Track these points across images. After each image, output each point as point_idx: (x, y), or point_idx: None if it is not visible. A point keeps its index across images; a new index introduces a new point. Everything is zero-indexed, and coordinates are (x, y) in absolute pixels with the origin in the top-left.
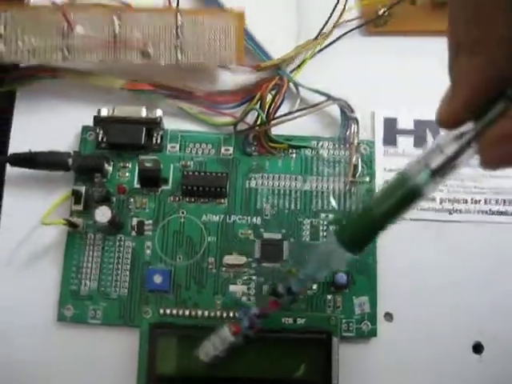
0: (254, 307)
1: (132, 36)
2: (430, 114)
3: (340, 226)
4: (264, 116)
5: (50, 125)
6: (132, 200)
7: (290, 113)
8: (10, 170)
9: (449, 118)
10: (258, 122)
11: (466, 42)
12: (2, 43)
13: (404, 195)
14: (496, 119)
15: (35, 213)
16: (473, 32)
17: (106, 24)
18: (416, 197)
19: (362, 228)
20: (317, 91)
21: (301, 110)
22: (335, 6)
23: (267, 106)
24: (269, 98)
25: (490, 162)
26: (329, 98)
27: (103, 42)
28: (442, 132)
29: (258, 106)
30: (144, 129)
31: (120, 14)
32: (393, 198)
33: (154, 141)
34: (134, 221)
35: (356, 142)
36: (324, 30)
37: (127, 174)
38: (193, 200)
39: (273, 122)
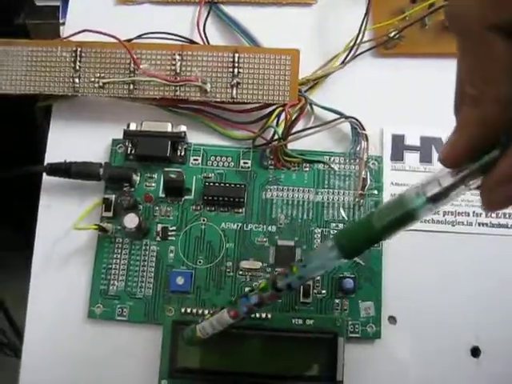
0: (254, 297)
1: (191, 73)
2: (436, 132)
3: (340, 231)
4: (280, 133)
5: (82, 137)
6: (157, 208)
7: (304, 129)
8: (46, 178)
9: (449, 158)
10: (275, 138)
11: (470, 93)
12: (77, 78)
13: (401, 216)
14: (491, 163)
15: (69, 218)
16: (477, 86)
17: (167, 61)
18: (411, 219)
19: (361, 237)
20: (330, 109)
21: (315, 127)
22: (358, 33)
23: (284, 124)
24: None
25: (492, 204)
26: (341, 116)
27: (165, 79)
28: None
29: (274, 123)
30: (169, 142)
31: (181, 52)
32: (392, 216)
33: (179, 153)
34: (159, 227)
35: (365, 157)
36: (337, 53)
37: (153, 184)
38: (213, 209)
39: (288, 139)
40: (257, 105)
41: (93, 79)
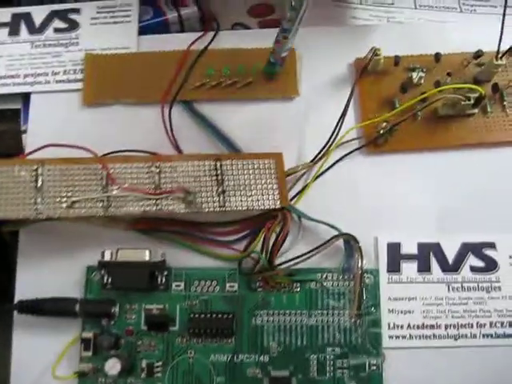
0: None
1: (173, 185)
2: (433, 237)
3: None
4: (266, 261)
5: (54, 265)
6: (140, 342)
7: (294, 258)
8: (17, 316)
9: None
10: (261, 264)
11: None
12: (40, 198)
13: None
14: None
15: (45, 358)
16: None
17: (146, 174)
18: None
19: None
20: (320, 222)
21: (307, 253)
22: (335, 129)
23: (271, 245)
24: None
25: None
26: (336, 234)
27: (145, 192)
28: None
29: (259, 247)
30: (148, 272)
31: (160, 164)
32: None
33: (159, 281)
34: (144, 363)
35: (360, 271)
36: (323, 153)
37: (133, 316)
38: (200, 340)
39: (277, 270)
40: (238, 226)
41: (58, 199)
